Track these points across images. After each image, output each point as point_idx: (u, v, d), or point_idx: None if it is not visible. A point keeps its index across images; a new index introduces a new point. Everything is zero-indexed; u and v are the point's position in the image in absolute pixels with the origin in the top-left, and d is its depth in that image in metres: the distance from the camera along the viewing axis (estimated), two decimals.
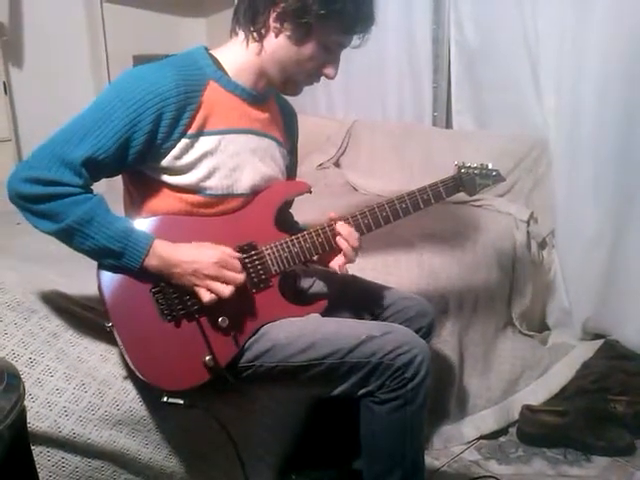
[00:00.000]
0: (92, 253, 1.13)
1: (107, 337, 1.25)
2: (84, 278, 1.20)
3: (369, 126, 2.89)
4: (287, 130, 1.41)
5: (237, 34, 1.25)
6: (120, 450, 1.19)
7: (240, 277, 1.18)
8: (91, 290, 1.18)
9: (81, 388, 1.19)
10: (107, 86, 1.18)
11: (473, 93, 2.53)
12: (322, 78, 1.27)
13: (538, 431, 1.82)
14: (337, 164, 2.93)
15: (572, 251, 2.24)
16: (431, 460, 1.74)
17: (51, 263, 1.47)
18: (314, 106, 3.15)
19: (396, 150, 2.69)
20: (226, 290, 1.16)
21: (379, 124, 2.89)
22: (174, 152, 1.17)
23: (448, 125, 2.73)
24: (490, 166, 1.45)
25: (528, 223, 2.24)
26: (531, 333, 2.21)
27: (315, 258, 1.32)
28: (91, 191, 1.13)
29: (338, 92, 3.06)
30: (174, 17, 3.57)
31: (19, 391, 0.84)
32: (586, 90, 2.06)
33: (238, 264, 1.19)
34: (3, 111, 2.99)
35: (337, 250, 1.29)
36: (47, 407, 1.14)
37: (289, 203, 1.44)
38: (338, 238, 1.28)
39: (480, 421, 1.89)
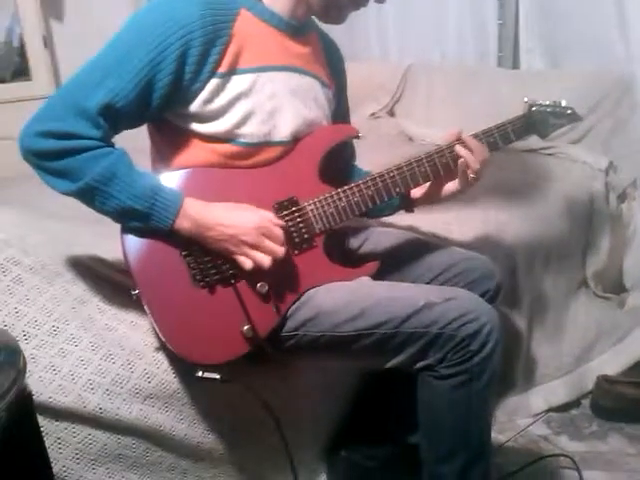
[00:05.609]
0: (116, 215, 1.02)
1: (139, 303, 1.15)
2: (117, 238, 1.09)
3: (426, 70, 2.72)
4: (332, 69, 1.26)
5: None
6: (152, 426, 1.10)
7: (280, 250, 1.05)
8: None
9: (108, 359, 1.09)
10: (125, 21, 1.04)
11: (544, 27, 2.31)
12: (372, 4, 1.11)
13: (615, 404, 1.69)
14: (391, 113, 2.80)
15: None
16: (495, 434, 1.59)
17: (81, 223, 1.37)
18: (366, 51, 2.98)
19: (456, 95, 2.52)
20: (265, 260, 1.03)
21: (437, 67, 2.73)
22: (203, 95, 1.04)
23: (515, 65, 2.54)
24: (564, 103, 1.34)
25: (606, 172, 2.07)
26: (607, 295, 2.06)
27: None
28: (112, 144, 1.02)
29: (392, 33, 2.87)
30: None
31: (17, 367, 0.73)
32: None
33: (281, 234, 1.05)
34: (43, 66, 2.90)
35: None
36: (71, 380, 1.04)
37: (341, 151, 1.27)
38: (463, 151, 1.17)
39: (549, 392, 1.77)
